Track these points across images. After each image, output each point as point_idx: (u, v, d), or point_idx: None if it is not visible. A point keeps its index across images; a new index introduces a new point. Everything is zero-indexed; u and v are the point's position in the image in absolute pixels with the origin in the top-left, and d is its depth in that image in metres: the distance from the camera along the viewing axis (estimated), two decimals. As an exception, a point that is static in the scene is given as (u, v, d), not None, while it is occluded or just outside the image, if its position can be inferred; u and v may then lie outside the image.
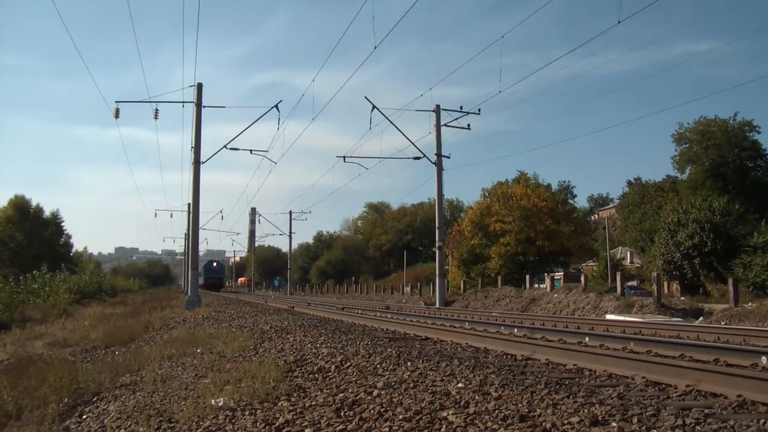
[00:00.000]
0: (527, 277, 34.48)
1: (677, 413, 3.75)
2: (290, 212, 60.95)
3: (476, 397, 4.32)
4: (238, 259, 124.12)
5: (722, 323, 16.85)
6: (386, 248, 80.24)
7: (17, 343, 14.20)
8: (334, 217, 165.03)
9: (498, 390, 4.54)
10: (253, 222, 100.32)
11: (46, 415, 5.77)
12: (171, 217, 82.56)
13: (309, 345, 7.86)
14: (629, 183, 69.61)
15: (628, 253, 54.81)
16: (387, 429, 3.67)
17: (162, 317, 17.36)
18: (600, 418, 3.64)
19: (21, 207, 60.66)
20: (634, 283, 37.16)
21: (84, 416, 5.68)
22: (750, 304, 19.82)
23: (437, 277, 27.59)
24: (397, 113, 44.90)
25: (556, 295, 27.64)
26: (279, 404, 4.48)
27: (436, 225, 28.23)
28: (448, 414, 3.89)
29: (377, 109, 25.44)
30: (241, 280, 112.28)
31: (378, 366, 5.87)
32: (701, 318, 19.34)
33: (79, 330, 16.15)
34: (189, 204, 35.11)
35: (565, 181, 75.52)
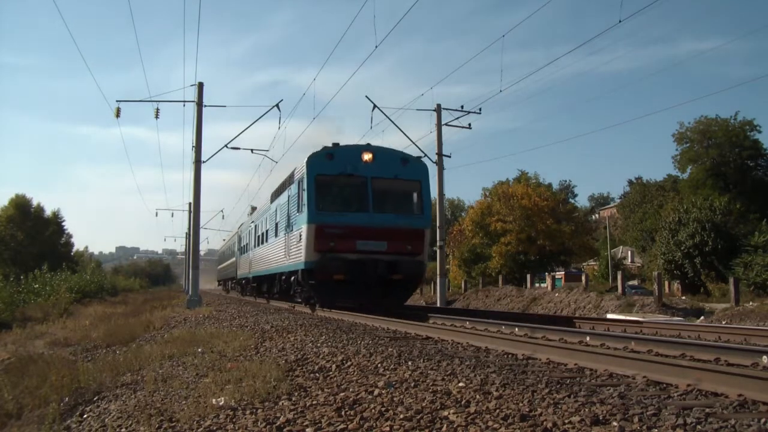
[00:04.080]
0: (528, 276, 34.48)
1: (678, 412, 3.75)
2: (291, 211, 60.05)
3: (477, 396, 4.32)
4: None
5: (723, 322, 16.83)
6: (387, 247, 79.96)
7: (18, 343, 14.21)
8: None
9: (499, 389, 4.54)
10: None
11: (47, 414, 5.78)
12: (172, 216, 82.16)
13: (310, 344, 7.86)
14: (630, 182, 69.74)
15: (629, 252, 54.86)
16: (388, 428, 3.67)
17: (163, 316, 17.36)
18: (601, 418, 3.64)
19: (22, 206, 60.68)
20: (635, 282, 37.20)
21: (85, 415, 5.68)
22: (751, 303, 19.81)
23: (438, 277, 27.58)
24: (398, 112, 44.62)
25: (557, 294, 27.64)
26: (280, 403, 4.47)
27: (437, 224, 28.23)
28: (449, 413, 3.89)
29: (378, 108, 25.33)
30: None
31: (379, 365, 5.87)
32: (702, 317, 19.33)
33: (80, 329, 16.15)
34: (190, 203, 35.10)
35: (565, 181, 75.81)
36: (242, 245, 30.92)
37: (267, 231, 21.56)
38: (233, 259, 35.67)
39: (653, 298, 22.71)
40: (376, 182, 14.81)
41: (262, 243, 22.89)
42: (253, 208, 34.40)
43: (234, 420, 4.14)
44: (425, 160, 26.93)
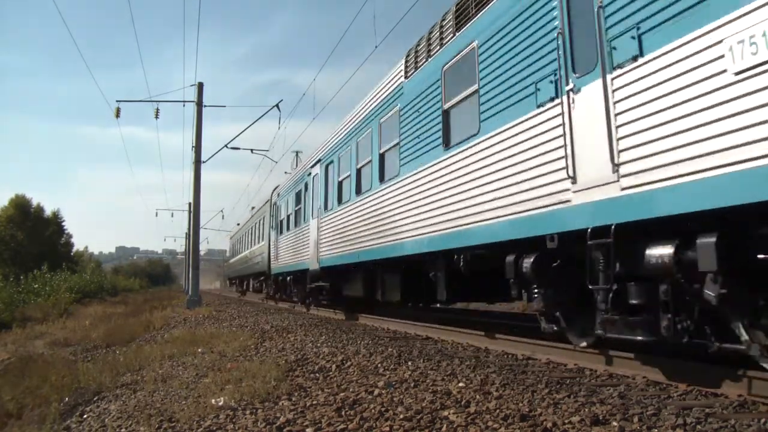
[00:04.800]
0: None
1: (678, 412, 3.75)
2: (291, 211, 59.63)
3: (477, 396, 4.32)
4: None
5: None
6: (387, 247, 79.66)
7: (18, 343, 14.21)
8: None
9: (499, 389, 4.54)
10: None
11: (47, 414, 5.78)
12: (172, 216, 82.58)
13: (310, 344, 7.86)
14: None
15: (629, 252, 54.79)
16: (388, 428, 3.67)
17: (163, 316, 17.36)
18: (601, 418, 3.65)
19: (22, 206, 60.65)
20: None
21: (85, 415, 5.67)
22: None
23: (438, 277, 27.07)
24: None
25: (556, 294, 27.58)
26: (280, 403, 4.47)
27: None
28: (449, 413, 3.89)
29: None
30: None
31: (379, 365, 5.87)
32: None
33: (79, 329, 16.14)
34: (190, 203, 35.09)
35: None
36: (282, 218, 18.81)
37: (406, 142, 9.06)
38: (261, 244, 23.57)
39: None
40: None
41: (366, 189, 10.91)
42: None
43: (234, 420, 4.14)
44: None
